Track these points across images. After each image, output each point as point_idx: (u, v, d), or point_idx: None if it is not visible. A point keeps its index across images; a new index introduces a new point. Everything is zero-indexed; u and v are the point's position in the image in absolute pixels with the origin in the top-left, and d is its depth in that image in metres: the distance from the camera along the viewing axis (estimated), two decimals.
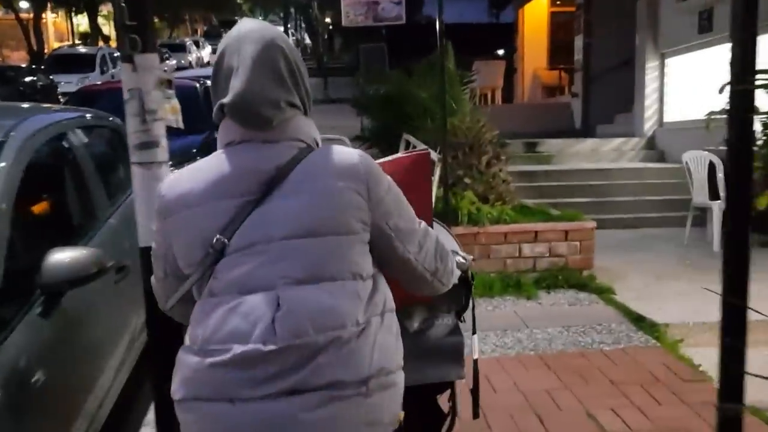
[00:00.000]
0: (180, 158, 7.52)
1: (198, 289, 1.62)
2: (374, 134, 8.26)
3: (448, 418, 2.32)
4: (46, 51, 26.96)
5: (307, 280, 1.53)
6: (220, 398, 1.51)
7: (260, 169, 1.59)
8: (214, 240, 1.55)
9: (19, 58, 31.32)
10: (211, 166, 1.63)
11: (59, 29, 41.14)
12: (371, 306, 1.58)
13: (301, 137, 1.64)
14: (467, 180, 6.06)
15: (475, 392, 2.16)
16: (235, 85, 1.59)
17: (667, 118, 10.77)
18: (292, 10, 24.67)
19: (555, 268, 5.71)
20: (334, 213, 1.57)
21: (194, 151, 7.33)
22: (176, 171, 1.72)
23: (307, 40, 37.32)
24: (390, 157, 2.09)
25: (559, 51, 17.62)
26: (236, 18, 39.16)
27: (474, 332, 2.18)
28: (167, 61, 30.49)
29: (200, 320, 1.58)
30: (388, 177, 1.69)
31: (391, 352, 1.61)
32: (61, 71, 21.19)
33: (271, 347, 1.48)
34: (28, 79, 19.20)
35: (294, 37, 30.57)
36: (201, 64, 35.45)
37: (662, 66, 10.85)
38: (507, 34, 20.15)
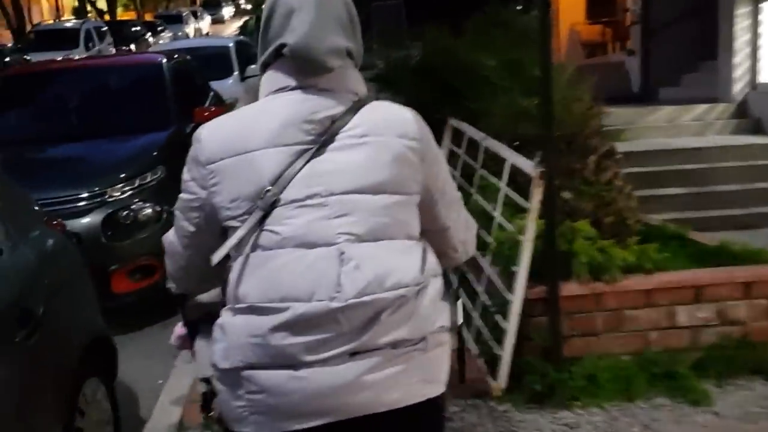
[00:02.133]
0: (133, 170, 4.69)
1: (238, 244, 1.43)
2: None
3: None
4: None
5: (367, 237, 1.42)
6: (280, 365, 1.37)
7: (315, 119, 1.45)
8: (265, 191, 1.41)
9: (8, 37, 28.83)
10: (260, 111, 1.50)
11: (53, 5, 38.55)
12: (426, 267, 1.49)
13: (356, 90, 1.53)
14: (566, 195, 3.77)
15: (460, 357, 1.90)
16: (297, 26, 1.46)
17: (764, 78, 8.40)
18: None
19: (729, 344, 3.41)
20: (393, 171, 1.46)
21: (154, 154, 5.02)
22: (217, 118, 1.53)
23: None
24: None
25: (599, 2, 15.19)
26: None
27: (458, 298, 1.84)
28: (162, 34, 28.30)
29: (248, 276, 1.41)
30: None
31: (445, 311, 1.54)
32: (44, 48, 18.93)
33: (338, 304, 1.36)
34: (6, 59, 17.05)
35: None
36: (200, 35, 32.93)
37: (756, 12, 8.43)
38: None
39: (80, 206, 4.44)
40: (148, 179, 4.74)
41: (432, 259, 1.53)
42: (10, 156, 4.76)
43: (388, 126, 1.49)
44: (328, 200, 1.42)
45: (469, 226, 1.72)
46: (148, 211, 4.63)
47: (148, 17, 35.05)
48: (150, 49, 15.35)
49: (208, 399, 1.71)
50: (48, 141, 5.22)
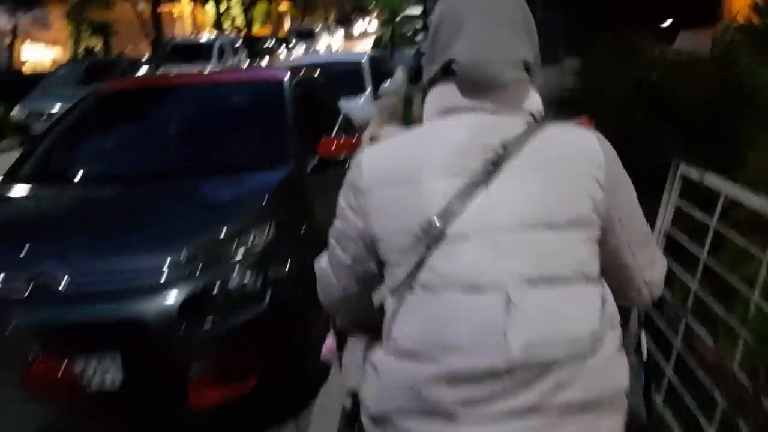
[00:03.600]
0: (231, 227, 2.57)
1: (394, 279, 1.29)
2: None
3: None
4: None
5: (540, 280, 1.24)
6: (435, 416, 1.23)
7: (486, 144, 1.28)
8: (430, 224, 1.25)
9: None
10: (425, 136, 1.35)
11: (199, 21, 39.41)
12: (605, 316, 1.28)
13: (531, 109, 1.35)
14: None
15: (647, 396, 1.60)
16: (468, 37, 1.31)
17: None
18: None
19: None
20: (571, 202, 1.28)
21: (263, 204, 3.61)
22: (378, 143, 1.37)
23: None
24: None
25: None
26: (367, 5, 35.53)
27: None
28: (294, 49, 27.88)
29: (406, 317, 1.28)
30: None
31: (624, 370, 1.32)
32: (179, 62, 18.75)
33: (503, 360, 1.20)
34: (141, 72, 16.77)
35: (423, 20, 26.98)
36: (331, 51, 32.45)
37: None
38: None
39: (151, 281, 3.08)
40: (252, 240, 3.31)
41: (612, 306, 1.32)
42: (63, 202, 3.55)
43: (568, 152, 1.30)
44: (498, 237, 1.24)
45: (656, 264, 1.45)
46: (249, 286, 3.21)
47: (282, 34, 35.01)
48: (276, 65, 14.22)
49: (351, 418, 1.48)
50: (123, 180, 3.94)
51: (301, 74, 5.37)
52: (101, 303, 2.98)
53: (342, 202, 1.38)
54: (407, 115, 11.54)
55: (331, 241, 1.43)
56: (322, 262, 1.49)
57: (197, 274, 3.15)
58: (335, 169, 4.53)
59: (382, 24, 18.00)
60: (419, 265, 1.25)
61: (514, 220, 1.24)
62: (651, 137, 3.73)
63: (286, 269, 3.38)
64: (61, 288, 2.99)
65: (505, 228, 1.24)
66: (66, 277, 3.00)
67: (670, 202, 3.46)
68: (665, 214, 3.52)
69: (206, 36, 23.90)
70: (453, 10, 1.34)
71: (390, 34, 17.00)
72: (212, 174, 3.83)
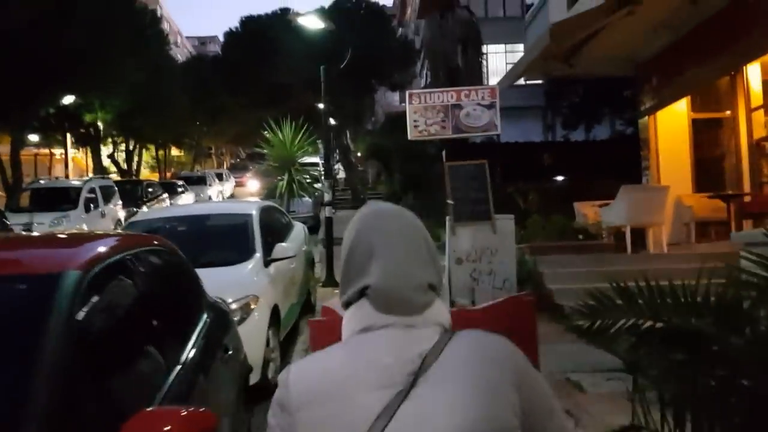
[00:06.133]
0: None
1: None
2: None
3: None
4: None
5: None
6: None
7: (404, 358, 1.31)
8: None
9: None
10: (347, 354, 1.34)
11: (81, 164, 36.16)
12: None
13: (441, 321, 1.40)
14: None
15: None
16: (380, 266, 1.37)
17: None
18: (322, 142, 18.69)
19: None
20: (492, 408, 1.28)
21: None
22: (303, 359, 1.38)
23: (341, 174, 31.84)
24: (486, 304, 1.66)
25: (708, 171, 11.79)
26: (263, 150, 33.73)
27: None
28: (182, 195, 25.16)
29: None
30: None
31: None
32: (37, 209, 15.67)
33: None
34: None
35: (324, 168, 25.37)
36: (222, 198, 30.01)
37: None
38: (618, 152, 14.36)
39: None
40: None
41: None
42: None
43: (480, 358, 1.32)
44: None
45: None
46: None
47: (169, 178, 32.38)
48: (136, 216, 10.50)
49: None
50: None
51: (128, 247, 2.83)
52: None
53: (272, 420, 1.32)
54: (309, 278, 9.18)
55: None
56: None
57: None
58: None
59: (271, 172, 15.56)
60: None
61: (440, 428, 1.22)
62: None
63: None
64: None
65: None
66: None
67: None
68: None
69: (78, 179, 20.64)
70: (364, 237, 1.37)
71: (286, 182, 14.67)
72: None
